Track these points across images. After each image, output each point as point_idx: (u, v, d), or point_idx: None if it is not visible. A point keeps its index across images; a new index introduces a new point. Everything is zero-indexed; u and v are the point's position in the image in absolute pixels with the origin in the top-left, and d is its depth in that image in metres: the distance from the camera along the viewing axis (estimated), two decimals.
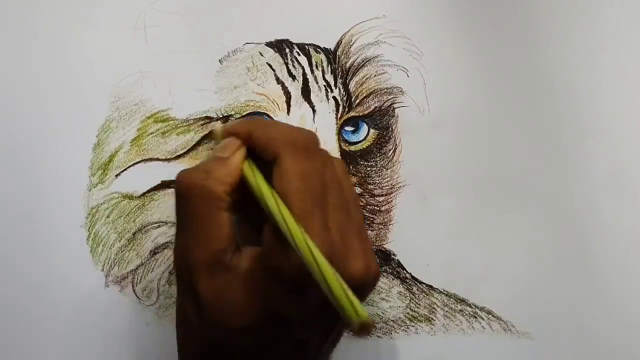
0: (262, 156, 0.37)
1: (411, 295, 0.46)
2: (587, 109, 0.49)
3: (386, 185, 0.47)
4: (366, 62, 0.48)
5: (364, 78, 0.48)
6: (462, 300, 0.46)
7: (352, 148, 0.47)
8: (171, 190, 0.45)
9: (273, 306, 0.35)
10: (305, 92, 0.47)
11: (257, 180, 0.37)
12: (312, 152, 0.37)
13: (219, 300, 0.35)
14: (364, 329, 0.31)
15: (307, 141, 0.37)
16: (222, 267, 0.35)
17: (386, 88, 0.48)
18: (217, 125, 0.44)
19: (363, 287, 0.35)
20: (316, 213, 0.35)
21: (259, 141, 0.38)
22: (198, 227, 0.36)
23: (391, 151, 0.47)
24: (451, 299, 0.46)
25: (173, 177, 0.44)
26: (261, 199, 0.36)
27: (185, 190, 0.37)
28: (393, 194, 0.47)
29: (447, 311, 0.46)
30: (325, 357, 0.38)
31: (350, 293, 0.32)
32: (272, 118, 0.46)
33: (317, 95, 0.47)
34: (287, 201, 0.35)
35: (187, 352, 0.37)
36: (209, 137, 0.44)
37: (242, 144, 0.38)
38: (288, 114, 0.46)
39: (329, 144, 0.46)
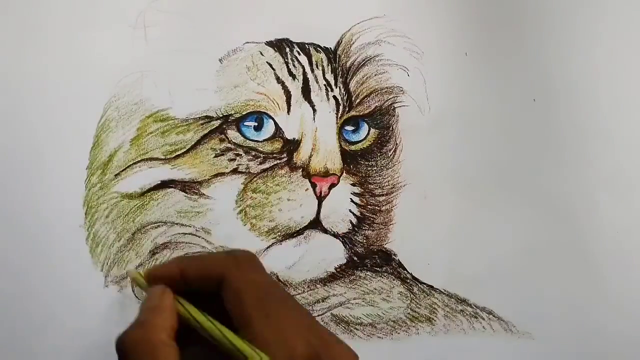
0: (200, 288, 0.37)
1: (412, 295, 0.46)
2: (588, 109, 0.49)
3: (387, 185, 0.47)
4: (366, 61, 0.48)
5: (365, 77, 0.48)
6: (463, 301, 0.46)
7: (353, 147, 0.47)
8: (171, 190, 0.45)
9: None
10: (306, 92, 0.46)
11: (190, 313, 0.36)
12: (256, 264, 0.37)
13: None
14: None
15: (248, 256, 0.37)
16: None
17: (386, 87, 0.48)
18: (132, 271, 0.41)
19: None
20: (286, 315, 0.35)
21: (195, 274, 0.37)
22: None
23: (392, 151, 0.47)
24: (452, 299, 0.46)
25: (173, 177, 0.44)
26: (202, 330, 0.35)
27: (128, 351, 0.35)
28: (394, 194, 0.47)
29: (447, 311, 0.46)
30: None
31: None
32: (272, 118, 0.46)
33: (317, 94, 0.47)
34: (247, 311, 0.34)
35: None
36: (133, 282, 0.40)
37: (166, 287, 0.37)
38: (288, 113, 0.46)
39: (329, 143, 0.46)
